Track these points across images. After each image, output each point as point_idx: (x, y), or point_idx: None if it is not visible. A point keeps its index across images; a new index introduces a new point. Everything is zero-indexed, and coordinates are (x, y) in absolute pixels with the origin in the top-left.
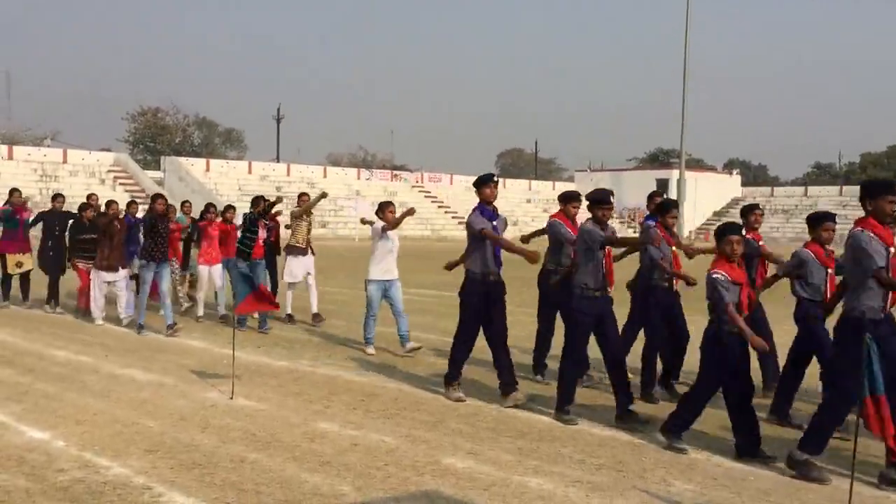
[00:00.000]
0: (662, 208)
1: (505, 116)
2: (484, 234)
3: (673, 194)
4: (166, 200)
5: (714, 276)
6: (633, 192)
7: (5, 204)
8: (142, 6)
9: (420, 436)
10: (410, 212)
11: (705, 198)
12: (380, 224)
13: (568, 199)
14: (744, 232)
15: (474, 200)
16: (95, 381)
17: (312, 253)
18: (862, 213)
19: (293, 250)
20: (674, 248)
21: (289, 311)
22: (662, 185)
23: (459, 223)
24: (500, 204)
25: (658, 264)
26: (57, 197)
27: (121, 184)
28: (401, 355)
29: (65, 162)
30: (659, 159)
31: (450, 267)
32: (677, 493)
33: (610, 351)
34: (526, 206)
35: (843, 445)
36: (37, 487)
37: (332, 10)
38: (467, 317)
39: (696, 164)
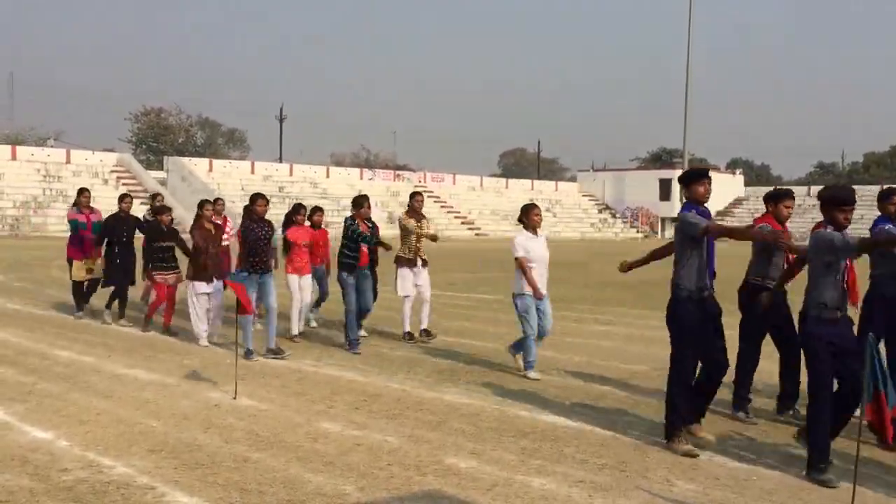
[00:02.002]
0: (774, 197)
1: (508, 116)
2: (711, 231)
3: (676, 194)
4: (267, 201)
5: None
6: (635, 192)
7: (73, 206)
8: (145, 7)
9: (423, 436)
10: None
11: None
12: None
13: (778, 197)
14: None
15: (477, 201)
16: (99, 381)
17: (424, 264)
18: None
19: (402, 262)
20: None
21: (407, 328)
22: (665, 185)
23: (462, 223)
24: (503, 204)
25: None
26: (124, 198)
27: (124, 184)
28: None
29: (68, 162)
30: (662, 159)
31: (628, 268)
32: (680, 493)
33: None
34: None
35: (848, 444)
36: (40, 487)
37: (334, 10)
38: (682, 348)
39: (699, 164)
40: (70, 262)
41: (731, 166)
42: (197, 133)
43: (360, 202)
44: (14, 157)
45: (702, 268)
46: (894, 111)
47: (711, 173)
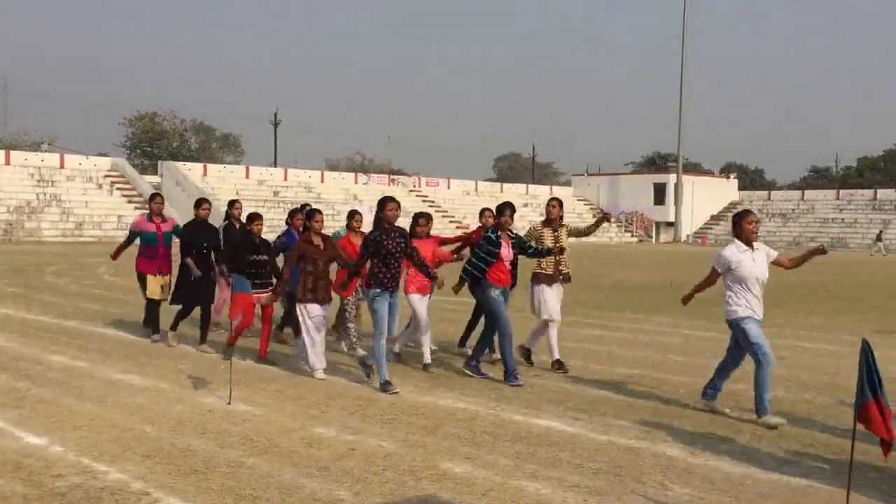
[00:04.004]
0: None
1: (502, 121)
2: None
3: (670, 198)
4: (398, 205)
5: None
6: (630, 196)
7: (146, 215)
8: (139, 11)
9: (418, 440)
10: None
11: (702, 202)
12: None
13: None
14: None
15: (472, 205)
16: (93, 387)
17: (566, 280)
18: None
19: (541, 278)
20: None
21: (556, 355)
22: (660, 189)
23: (458, 227)
24: None
25: None
26: (202, 203)
27: (118, 189)
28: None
29: (62, 167)
30: (656, 163)
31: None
32: (675, 497)
33: None
34: (523, 210)
35: (842, 449)
36: (34, 493)
37: (329, 15)
38: None
39: (694, 169)
40: (142, 278)
41: (726, 171)
42: (191, 138)
43: (503, 209)
44: (8, 162)
45: None
46: (888, 116)
47: (706, 177)
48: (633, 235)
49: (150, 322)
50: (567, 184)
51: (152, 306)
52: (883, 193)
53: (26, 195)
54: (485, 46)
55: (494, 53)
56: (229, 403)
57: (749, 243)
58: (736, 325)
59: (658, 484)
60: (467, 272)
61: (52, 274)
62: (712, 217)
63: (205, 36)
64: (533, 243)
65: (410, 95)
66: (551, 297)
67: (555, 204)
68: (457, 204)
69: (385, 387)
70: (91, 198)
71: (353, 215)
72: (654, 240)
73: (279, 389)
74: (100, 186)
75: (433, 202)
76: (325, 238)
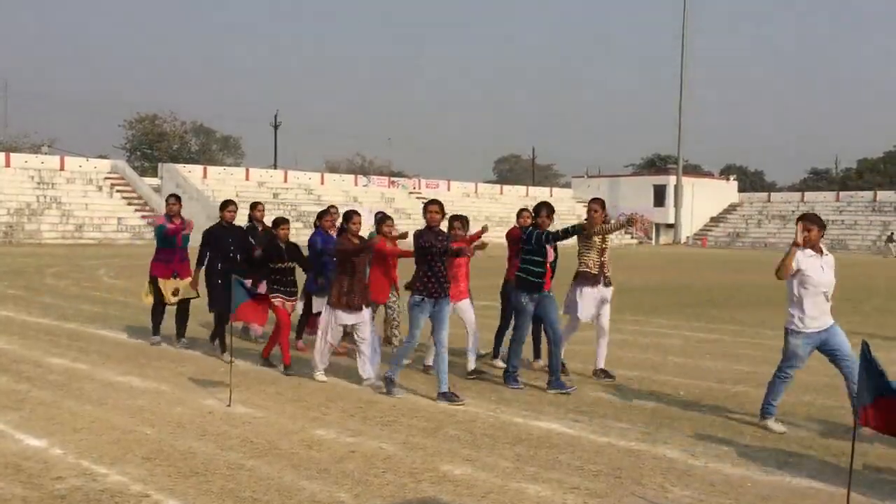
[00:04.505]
0: None
1: (503, 123)
2: None
3: (670, 200)
4: (441, 208)
5: None
6: (630, 198)
7: (165, 216)
8: (140, 13)
9: (418, 442)
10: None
11: (702, 204)
12: None
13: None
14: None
15: (472, 207)
16: (93, 389)
17: (608, 283)
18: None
19: (586, 279)
20: None
21: (601, 364)
22: (660, 191)
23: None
24: (497, 210)
25: None
26: (228, 204)
27: (118, 191)
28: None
29: (62, 169)
30: (656, 165)
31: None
32: (675, 499)
33: None
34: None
35: (842, 451)
36: (34, 495)
37: (329, 17)
38: None
39: (693, 170)
40: (153, 280)
41: (725, 172)
42: (191, 140)
43: (540, 209)
44: (8, 164)
45: None
46: (888, 118)
47: (705, 179)
48: (632, 237)
49: (153, 322)
50: (567, 186)
51: (160, 309)
52: (883, 195)
53: (26, 197)
54: (485, 48)
55: (494, 55)
56: (229, 406)
57: (818, 249)
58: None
59: (658, 486)
60: (523, 280)
61: (52, 276)
62: (712, 219)
63: (205, 37)
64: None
65: (411, 97)
66: (589, 299)
67: (597, 208)
68: (457, 206)
69: (388, 386)
70: (91, 200)
71: (457, 219)
72: (653, 241)
73: (279, 392)
74: (100, 189)
75: None
76: (361, 240)
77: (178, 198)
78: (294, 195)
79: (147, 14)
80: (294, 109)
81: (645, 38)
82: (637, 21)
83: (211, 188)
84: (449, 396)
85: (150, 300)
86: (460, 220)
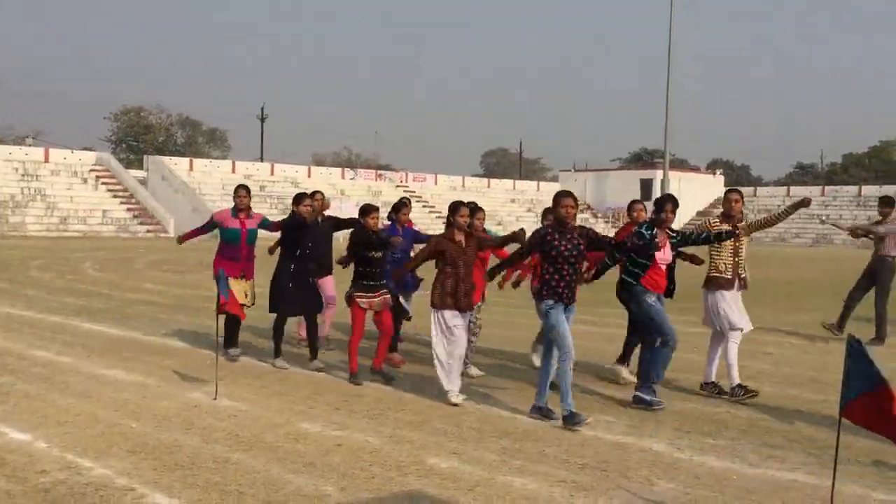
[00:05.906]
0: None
1: (490, 116)
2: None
3: (657, 194)
4: (575, 201)
5: None
6: (616, 192)
7: (230, 209)
8: (124, 5)
9: (404, 436)
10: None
11: (689, 198)
12: None
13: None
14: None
15: (458, 199)
16: (77, 382)
17: (743, 286)
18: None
19: (719, 283)
20: None
21: (712, 377)
22: (646, 185)
23: (444, 223)
24: (484, 203)
25: None
26: (302, 197)
27: (103, 183)
28: None
29: (47, 161)
30: (643, 159)
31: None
32: (661, 492)
33: None
34: (510, 206)
35: (827, 444)
36: (18, 489)
37: (317, 9)
38: None
39: (680, 165)
40: (221, 279)
41: (712, 167)
42: (177, 132)
43: (663, 203)
44: None
45: None
46: (873, 113)
47: (692, 173)
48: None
49: (227, 331)
50: (554, 179)
51: (232, 319)
52: (867, 189)
53: (10, 189)
54: (472, 43)
55: (482, 50)
56: (215, 399)
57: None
58: None
59: (644, 479)
60: (626, 283)
61: (36, 269)
62: (698, 213)
63: (192, 31)
64: (710, 233)
65: (398, 91)
66: (734, 305)
67: (737, 198)
68: (444, 199)
69: (548, 413)
70: (76, 192)
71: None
72: None
73: (265, 385)
74: (85, 181)
75: (420, 197)
76: (468, 235)
77: (247, 189)
78: (281, 188)
79: (134, 7)
80: (281, 103)
81: (632, 32)
82: (624, 15)
83: (197, 181)
84: (545, 412)
85: (239, 299)
86: (481, 211)
